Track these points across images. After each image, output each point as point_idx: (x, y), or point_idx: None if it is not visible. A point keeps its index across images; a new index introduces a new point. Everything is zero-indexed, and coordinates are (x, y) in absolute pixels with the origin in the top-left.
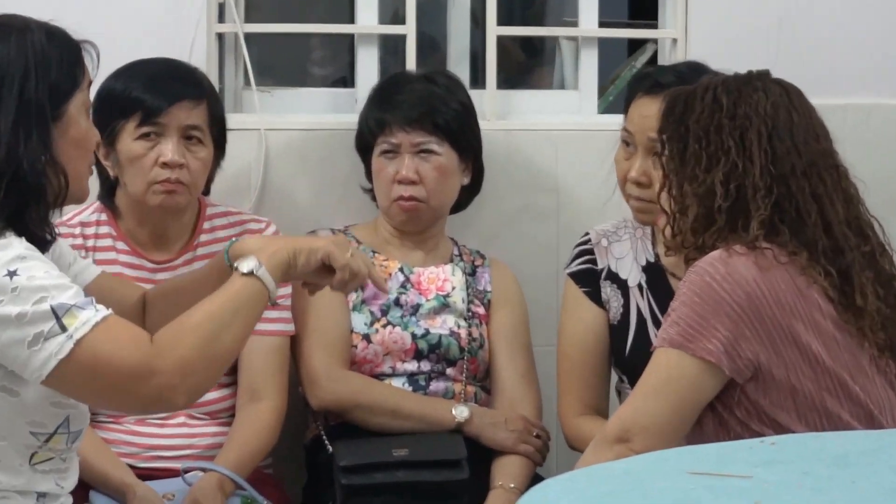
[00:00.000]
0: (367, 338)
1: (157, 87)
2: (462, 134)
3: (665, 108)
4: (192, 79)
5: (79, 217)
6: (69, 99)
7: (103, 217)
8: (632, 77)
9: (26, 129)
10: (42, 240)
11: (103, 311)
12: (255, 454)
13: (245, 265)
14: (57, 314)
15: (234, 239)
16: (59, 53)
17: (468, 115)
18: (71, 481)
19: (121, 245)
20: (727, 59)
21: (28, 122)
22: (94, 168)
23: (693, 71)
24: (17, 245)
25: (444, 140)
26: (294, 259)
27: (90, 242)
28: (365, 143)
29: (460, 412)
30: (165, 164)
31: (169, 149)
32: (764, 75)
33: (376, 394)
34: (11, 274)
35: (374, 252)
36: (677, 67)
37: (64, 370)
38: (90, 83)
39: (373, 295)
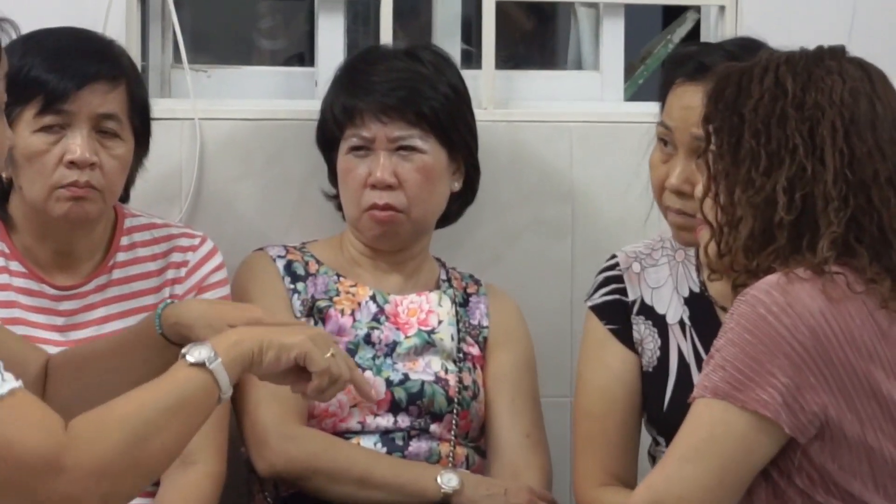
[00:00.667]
0: None
1: (61, 65)
2: (452, 126)
3: (713, 90)
4: (108, 54)
5: None
6: None
7: None
8: (668, 56)
9: None
10: None
11: (11, 383)
12: None
13: (195, 353)
14: None
15: (168, 300)
16: None
17: (460, 101)
18: None
19: (15, 266)
20: (787, 31)
21: None
22: None
23: (745, 49)
24: None
25: (429, 133)
26: (260, 355)
27: None
28: (329, 137)
29: (448, 480)
30: (72, 164)
31: (77, 144)
32: (838, 53)
33: (341, 456)
34: None
35: (338, 276)
36: (725, 45)
37: None
38: (5, 74)
39: (337, 329)
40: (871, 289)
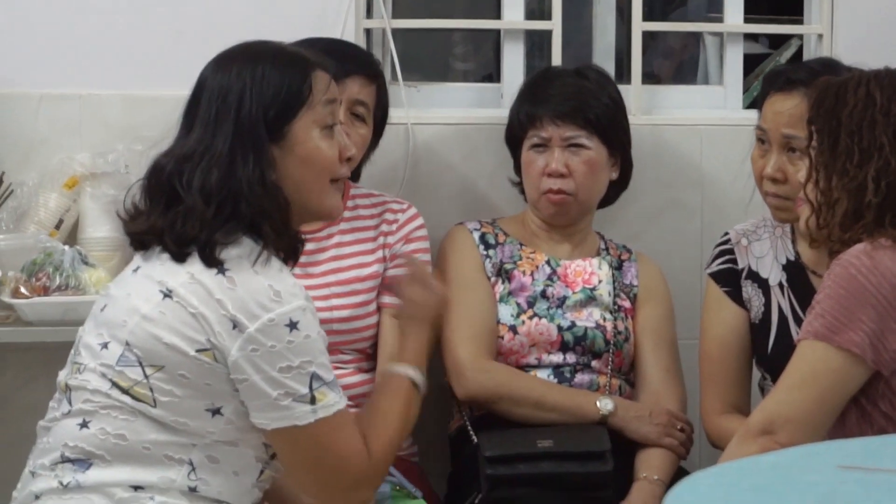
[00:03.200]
0: (513, 329)
1: (335, 59)
2: (612, 129)
3: (815, 98)
4: (369, 59)
5: None
6: (292, 118)
7: None
8: (764, 74)
9: (243, 152)
10: (284, 255)
11: (344, 402)
12: None
13: (422, 383)
14: (312, 384)
15: None
16: (280, 75)
17: (618, 110)
18: None
19: None
20: (875, 54)
21: (243, 146)
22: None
23: (826, 67)
24: (297, 287)
25: (593, 134)
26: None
27: None
28: (515, 137)
29: (605, 404)
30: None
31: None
32: None
33: (522, 385)
34: (292, 325)
35: (521, 245)
36: (809, 64)
37: (294, 435)
38: (332, 100)
39: (519, 286)
40: None
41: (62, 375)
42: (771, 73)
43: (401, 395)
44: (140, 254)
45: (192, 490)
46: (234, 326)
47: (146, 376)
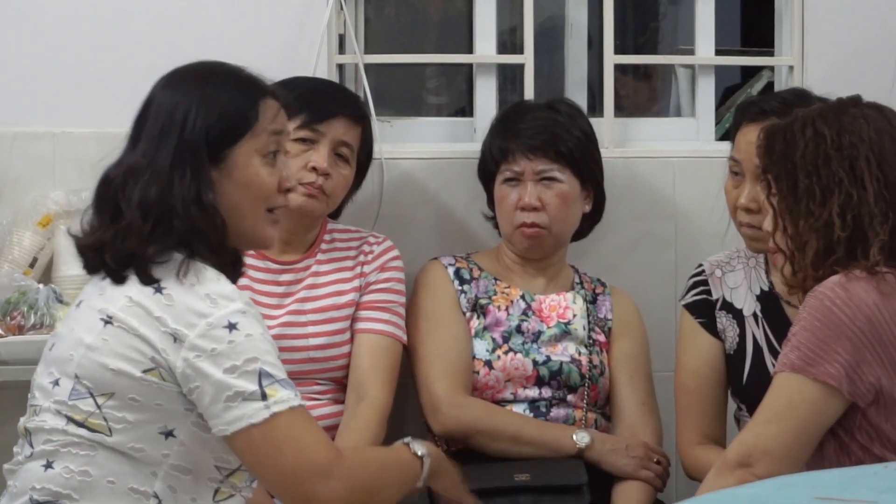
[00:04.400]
0: (488, 364)
1: (323, 100)
2: (584, 162)
3: (764, 145)
4: (355, 102)
5: None
6: (234, 143)
7: None
8: (736, 106)
9: (181, 169)
10: (224, 272)
11: (300, 399)
12: None
13: (419, 448)
14: (262, 381)
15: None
16: (229, 99)
17: (590, 143)
18: None
19: None
20: (844, 85)
21: (183, 163)
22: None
23: (797, 97)
24: (233, 291)
25: (566, 168)
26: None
27: None
28: (487, 171)
29: (581, 438)
30: (314, 169)
31: (321, 156)
32: (857, 101)
33: (498, 420)
34: (231, 326)
35: (495, 279)
36: (781, 94)
37: (252, 435)
38: (279, 131)
39: (494, 321)
40: None
41: (21, 421)
42: (743, 103)
43: (404, 455)
44: (87, 285)
45: None
46: (175, 340)
47: (98, 406)
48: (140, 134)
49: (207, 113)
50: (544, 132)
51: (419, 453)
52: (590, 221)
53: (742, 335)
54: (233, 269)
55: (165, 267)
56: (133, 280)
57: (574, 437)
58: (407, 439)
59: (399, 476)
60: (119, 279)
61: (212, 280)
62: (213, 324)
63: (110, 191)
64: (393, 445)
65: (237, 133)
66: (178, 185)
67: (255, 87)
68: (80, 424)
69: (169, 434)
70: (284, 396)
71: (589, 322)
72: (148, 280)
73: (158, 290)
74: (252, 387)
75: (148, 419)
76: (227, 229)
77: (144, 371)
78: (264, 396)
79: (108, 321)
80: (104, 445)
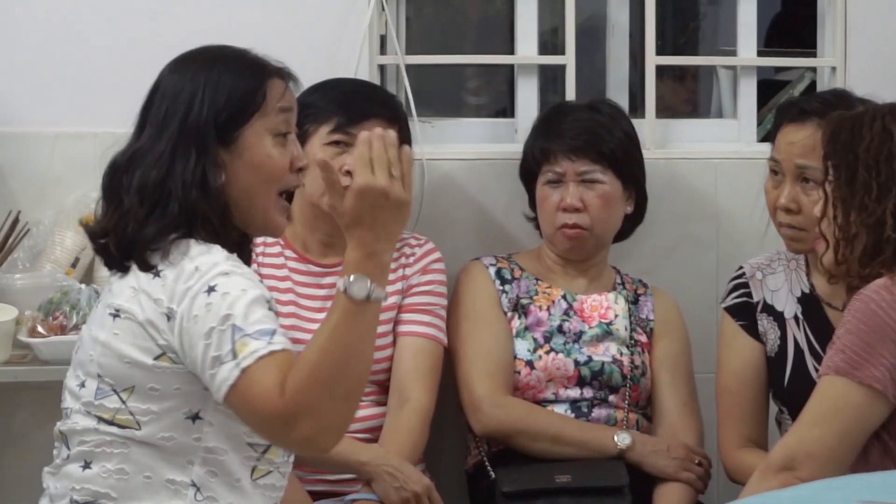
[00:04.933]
0: (530, 364)
1: (356, 102)
2: (626, 163)
3: (830, 132)
4: (390, 102)
5: None
6: (243, 124)
7: None
8: (777, 106)
9: (184, 152)
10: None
11: (278, 344)
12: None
13: (358, 289)
14: (234, 338)
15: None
16: (235, 79)
17: (632, 144)
18: None
19: (289, 252)
20: (888, 86)
21: (187, 146)
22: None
23: (838, 98)
24: (220, 256)
25: (608, 169)
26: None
27: (259, 249)
28: (529, 172)
29: (622, 439)
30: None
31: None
32: None
33: (539, 420)
34: (210, 289)
35: (537, 280)
36: (822, 95)
37: (232, 399)
38: (287, 108)
39: (536, 321)
40: None
41: (57, 425)
42: (784, 104)
43: (329, 317)
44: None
45: None
46: (169, 318)
47: (123, 402)
48: (146, 120)
49: (215, 95)
50: (586, 133)
51: (360, 297)
52: (631, 222)
53: (783, 338)
54: (239, 251)
55: (162, 252)
56: (135, 269)
57: (615, 437)
58: (338, 280)
59: (344, 341)
60: (123, 269)
61: (202, 252)
62: (196, 291)
63: (115, 177)
64: (336, 298)
65: (247, 113)
66: (179, 168)
67: (261, 67)
68: (109, 423)
69: (196, 417)
70: (254, 348)
71: (631, 322)
72: (146, 266)
73: (157, 274)
74: (226, 347)
75: (172, 406)
76: (230, 213)
77: (156, 358)
78: (235, 354)
79: (116, 314)
80: (135, 440)
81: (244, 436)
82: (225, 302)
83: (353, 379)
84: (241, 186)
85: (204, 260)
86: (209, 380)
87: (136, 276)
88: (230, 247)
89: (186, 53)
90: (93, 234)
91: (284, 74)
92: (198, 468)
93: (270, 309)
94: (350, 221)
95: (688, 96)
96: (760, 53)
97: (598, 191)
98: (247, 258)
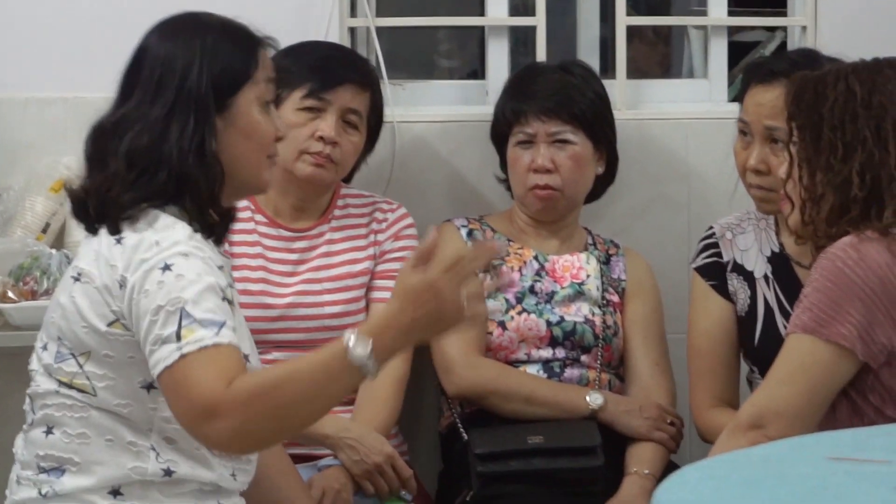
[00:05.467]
0: (502, 325)
1: (329, 67)
2: (597, 124)
3: (794, 93)
4: (363, 67)
5: None
6: (237, 91)
7: None
8: (745, 67)
9: (181, 119)
10: (206, 228)
11: (222, 339)
12: (380, 431)
13: (359, 352)
14: (181, 322)
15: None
16: (230, 48)
17: (603, 105)
18: (245, 477)
19: (259, 217)
20: (858, 45)
21: (185, 113)
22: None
23: (806, 58)
24: (182, 235)
25: (579, 129)
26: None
27: None
28: (500, 134)
29: (594, 399)
30: (321, 139)
31: (328, 125)
32: (893, 62)
33: (511, 381)
34: (166, 267)
35: (509, 240)
36: (790, 55)
37: (165, 379)
38: (272, 79)
39: (508, 282)
40: None
41: (28, 388)
42: (752, 65)
43: (320, 353)
44: None
45: (168, 473)
46: (121, 286)
47: (80, 366)
48: (133, 86)
49: (212, 63)
50: (557, 94)
51: (350, 345)
52: (603, 183)
53: (753, 297)
54: (222, 226)
55: (131, 220)
56: (103, 233)
57: (587, 398)
58: (349, 333)
59: (315, 384)
60: (94, 231)
61: (167, 226)
62: (151, 266)
63: (101, 140)
64: (324, 348)
65: (241, 81)
66: (175, 134)
67: (251, 36)
68: (69, 386)
69: (150, 387)
70: (199, 336)
71: (602, 283)
72: (114, 231)
73: (119, 240)
74: (171, 328)
75: (127, 374)
76: (224, 179)
77: (109, 324)
78: (179, 338)
79: (77, 278)
80: (93, 406)
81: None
82: (178, 283)
83: (298, 418)
84: (234, 153)
85: (166, 235)
86: (148, 355)
87: (99, 240)
88: (209, 221)
89: (174, 19)
90: (74, 195)
91: (269, 45)
92: (156, 435)
93: (224, 299)
94: (406, 294)
95: (660, 58)
96: (731, 13)
97: (569, 151)
98: (225, 231)
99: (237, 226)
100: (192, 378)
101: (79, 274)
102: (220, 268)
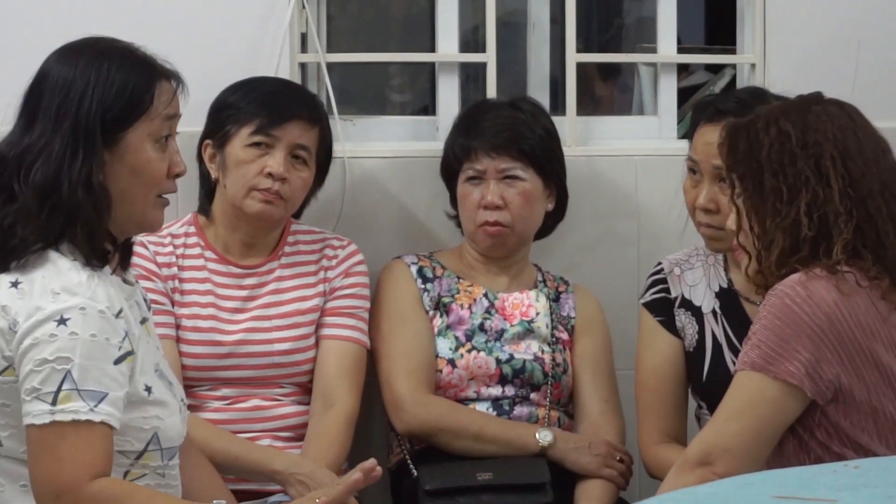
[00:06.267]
0: (451, 363)
1: (277, 103)
2: (546, 160)
3: (728, 145)
4: (311, 102)
5: (168, 230)
6: (130, 125)
7: (192, 230)
8: (693, 106)
9: (74, 148)
10: (101, 256)
11: (99, 415)
12: (330, 468)
13: None
14: (62, 385)
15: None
16: (125, 80)
17: (552, 141)
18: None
19: (209, 254)
20: (806, 82)
21: (76, 144)
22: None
23: (754, 96)
24: (79, 282)
25: (528, 166)
26: None
27: (179, 251)
28: (450, 170)
29: (544, 437)
30: (270, 175)
31: (276, 161)
32: (819, 98)
33: (461, 418)
34: (62, 320)
35: (458, 278)
36: (737, 93)
37: (31, 435)
38: (172, 115)
39: (457, 320)
40: (874, 284)
41: None
42: (700, 103)
43: None
44: None
45: None
46: (10, 330)
47: None
48: (35, 113)
49: (104, 93)
50: (507, 130)
51: None
52: (552, 220)
53: (701, 332)
54: (122, 254)
55: (24, 262)
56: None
57: (537, 435)
58: None
59: None
60: None
61: (63, 272)
62: (45, 316)
63: (5, 171)
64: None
65: (133, 116)
66: (67, 166)
67: (151, 68)
68: None
69: None
70: (75, 407)
71: (552, 320)
72: (3, 268)
73: (14, 284)
74: (50, 387)
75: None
76: (111, 212)
77: (1, 372)
78: (55, 402)
79: None
80: (1, 455)
81: (113, 445)
82: (70, 342)
83: None
84: (120, 187)
85: (62, 283)
86: (22, 402)
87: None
88: (102, 252)
89: (72, 44)
90: None
91: (173, 77)
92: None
93: (118, 361)
94: None
95: (612, 93)
96: (681, 50)
97: (518, 188)
98: (125, 258)
99: (188, 262)
100: (59, 452)
101: None
102: (119, 312)
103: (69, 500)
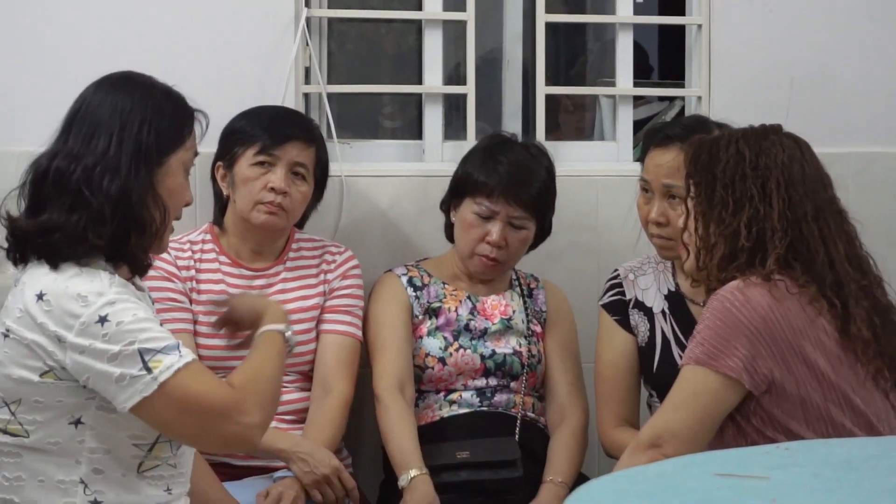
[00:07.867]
0: (442, 360)
1: (277, 126)
2: (547, 209)
3: (691, 154)
4: (308, 125)
5: (188, 237)
6: (173, 151)
7: (208, 237)
8: (644, 132)
9: (137, 166)
10: (142, 267)
11: (187, 357)
12: (328, 447)
13: (290, 335)
14: (143, 358)
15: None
16: (173, 111)
17: (553, 195)
18: (181, 488)
19: (223, 259)
20: (746, 113)
21: (139, 161)
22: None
23: (697, 124)
24: (105, 285)
25: (532, 217)
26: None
27: (196, 256)
28: (461, 191)
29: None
30: (273, 189)
31: (278, 177)
32: (777, 130)
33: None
34: (102, 320)
35: (444, 284)
36: (683, 121)
37: (149, 405)
38: (195, 150)
39: (446, 322)
40: (803, 291)
41: None
42: (650, 130)
43: (268, 344)
44: None
45: None
46: (59, 341)
47: (12, 413)
48: (93, 131)
49: (160, 119)
50: (526, 184)
51: (280, 329)
52: (532, 247)
53: (652, 330)
54: (144, 267)
55: (56, 269)
56: (24, 288)
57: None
58: (272, 325)
59: (278, 358)
60: (20, 261)
61: (84, 280)
62: (86, 322)
63: (69, 181)
64: (265, 338)
65: (176, 144)
66: (134, 180)
67: (187, 106)
68: (3, 432)
69: (77, 422)
70: (168, 363)
71: (527, 315)
72: (53, 265)
73: (40, 297)
74: (136, 368)
75: (55, 415)
76: (168, 223)
77: (41, 375)
78: (149, 370)
79: (6, 335)
80: (25, 447)
81: (126, 437)
82: (121, 329)
83: (278, 390)
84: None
85: (86, 288)
86: (113, 392)
87: (23, 297)
88: (145, 261)
89: (117, 76)
90: (42, 228)
91: (200, 118)
92: (84, 467)
93: (161, 323)
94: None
95: (577, 122)
96: (636, 84)
97: (521, 235)
98: (145, 271)
99: (204, 266)
100: (195, 391)
101: (7, 331)
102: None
103: (243, 409)
